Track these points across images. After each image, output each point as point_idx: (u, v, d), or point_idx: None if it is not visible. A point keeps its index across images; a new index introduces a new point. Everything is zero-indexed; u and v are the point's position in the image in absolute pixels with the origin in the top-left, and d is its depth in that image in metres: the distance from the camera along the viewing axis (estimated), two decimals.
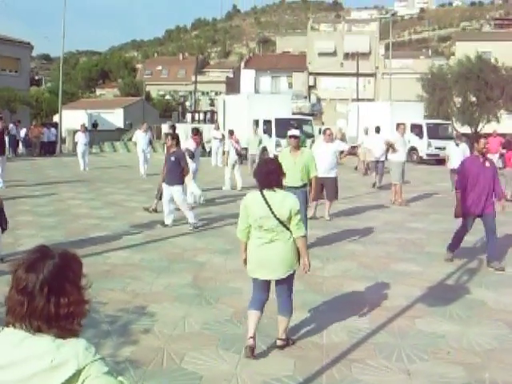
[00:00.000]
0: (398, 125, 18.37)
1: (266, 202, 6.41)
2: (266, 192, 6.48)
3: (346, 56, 76.88)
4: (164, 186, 14.26)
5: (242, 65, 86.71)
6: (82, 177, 24.96)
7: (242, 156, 21.49)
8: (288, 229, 6.44)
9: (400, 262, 10.94)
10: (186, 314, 7.91)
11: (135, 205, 17.51)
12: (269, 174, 6.53)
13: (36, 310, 2.29)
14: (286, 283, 6.64)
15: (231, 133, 23.11)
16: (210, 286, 9.23)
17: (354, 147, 24.67)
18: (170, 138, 14.86)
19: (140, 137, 26.30)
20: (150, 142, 25.99)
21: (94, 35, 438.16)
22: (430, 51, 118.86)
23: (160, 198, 16.22)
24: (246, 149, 31.70)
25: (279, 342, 6.80)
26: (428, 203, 18.87)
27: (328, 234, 13.24)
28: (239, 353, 6.57)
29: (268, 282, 6.67)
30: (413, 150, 34.26)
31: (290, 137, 11.46)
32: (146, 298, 8.63)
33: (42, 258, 2.36)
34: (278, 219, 6.38)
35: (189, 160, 17.27)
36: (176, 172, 14.00)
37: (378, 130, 23.67)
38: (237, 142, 22.34)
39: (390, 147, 18.17)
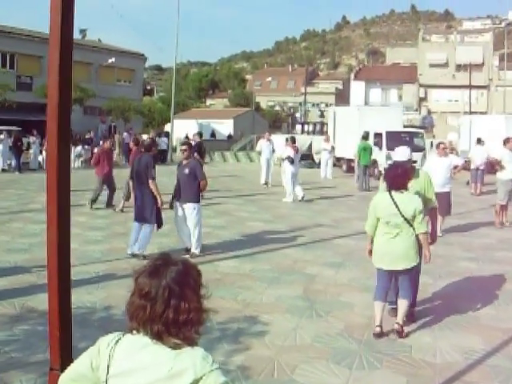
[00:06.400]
0: (507, 139, 17.24)
1: (394, 202, 7.38)
2: (393, 193, 7.47)
3: (459, 67, 75.15)
4: (176, 204, 12.09)
5: (352, 76, 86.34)
6: None
7: (293, 162, 21.97)
8: (411, 226, 7.41)
9: None
10: (297, 325, 7.94)
11: (246, 215, 17.73)
12: (395, 178, 7.55)
13: (157, 315, 2.35)
14: (408, 274, 7.64)
15: (293, 140, 23.24)
16: (321, 299, 9.22)
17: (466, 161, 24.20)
18: (186, 146, 12.53)
19: (264, 146, 27.38)
20: (273, 151, 26.42)
21: (204, 46, 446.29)
22: None
23: (127, 199, 16.90)
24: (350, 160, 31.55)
25: (396, 326, 7.64)
26: None
27: (440, 250, 12.89)
28: (350, 367, 6.55)
29: (391, 272, 7.65)
30: None
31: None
32: (257, 308, 8.72)
33: (165, 264, 2.43)
34: (403, 217, 7.36)
35: (289, 165, 21.04)
36: (191, 186, 11.91)
37: (478, 141, 25.66)
38: (294, 149, 22.74)
39: (497, 165, 17.28)
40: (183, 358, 2.33)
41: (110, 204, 18.50)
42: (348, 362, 6.69)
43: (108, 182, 18.51)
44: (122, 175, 19.97)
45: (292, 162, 21.39)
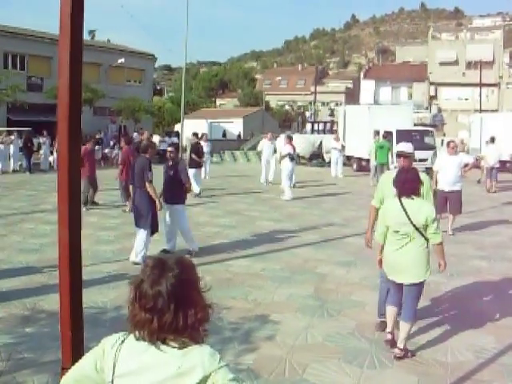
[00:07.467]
0: None
1: (404, 209, 6.72)
2: (403, 199, 6.80)
3: (469, 65, 74.89)
4: (164, 205, 12.00)
5: (362, 75, 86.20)
6: (203, 185, 25.29)
7: (294, 160, 23.00)
8: (423, 235, 6.74)
9: None
10: (308, 325, 7.93)
11: (256, 214, 17.73)
12: (406, 183, 6.84)
13: (165, 325, 2.34)
14: (415, 289, 6.86)
15: (290, 138, 23.25)
16: (332, 298, 9.20)
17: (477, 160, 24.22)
18: (172, 148, 12.57)
19: (265, 146, 27.59)
20: (275, 151, 26.49)
21: (214, 46, 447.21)
22: None
23: (127, 199, 16.91)
24: (365, 160, 31.53)
25: (397, 351, 6.86)
26: None
27: (451, 249, 12.83)
28: (362, 367, 6.54)
29: (402, 284, 6.97)
30: None
31: (400, 155, 8.15)
32: (268, 307, 8.71)
33: (163, 271, 2.39)
34: (414, 225, 6.67)
35: (289, 162, 22.14)
36: (177, 188, 12.01)
37: (492, 140, 26.17)
38: (293, 148, 23.03)
39: None
40: (191, 356, 2.34)
41: (91, 202, 18.68)
42: (359, 361, 6.68)
43: (91, 182, 18.54)
44: None
45: (292, 158, 22.35)
